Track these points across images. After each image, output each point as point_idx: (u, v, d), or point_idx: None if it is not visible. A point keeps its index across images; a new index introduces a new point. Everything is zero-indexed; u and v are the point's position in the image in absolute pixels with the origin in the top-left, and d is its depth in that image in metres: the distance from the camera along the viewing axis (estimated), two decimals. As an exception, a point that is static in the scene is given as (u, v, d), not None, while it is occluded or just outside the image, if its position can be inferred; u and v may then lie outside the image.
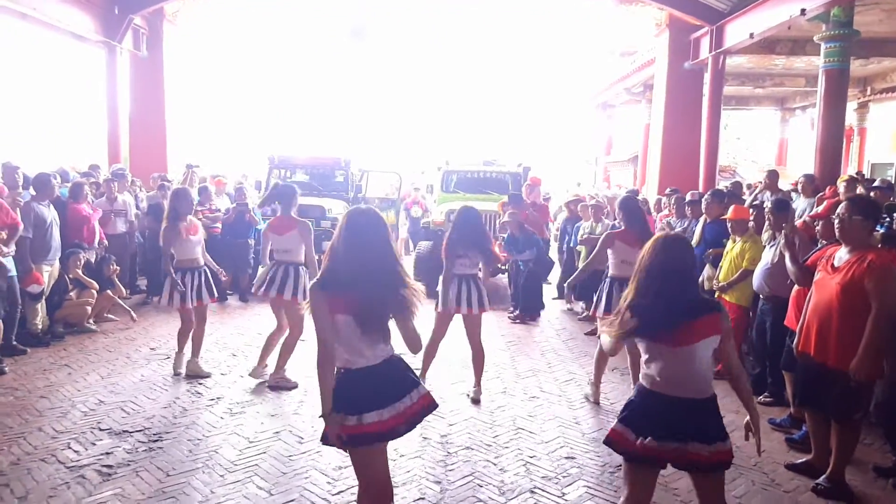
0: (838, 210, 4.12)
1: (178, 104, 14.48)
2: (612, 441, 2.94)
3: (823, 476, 4.12)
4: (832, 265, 4.08)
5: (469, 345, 5.76)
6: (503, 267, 10.38)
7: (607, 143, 23.50)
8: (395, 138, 27.56)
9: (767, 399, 5.69)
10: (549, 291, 10.71)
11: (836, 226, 4.09)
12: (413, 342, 2.92)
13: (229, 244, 9.69)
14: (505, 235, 9.49)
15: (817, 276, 4.22)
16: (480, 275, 5.76)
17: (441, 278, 5.72)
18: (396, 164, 16.48)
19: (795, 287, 4.81)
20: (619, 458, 4.41)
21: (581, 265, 8.72)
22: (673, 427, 2.78)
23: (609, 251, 5.62)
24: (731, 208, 6.42)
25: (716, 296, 6.20)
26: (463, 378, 6.05)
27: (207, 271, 6.20)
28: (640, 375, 2.97)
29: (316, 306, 2.77)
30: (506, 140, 26.60)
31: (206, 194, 10.01)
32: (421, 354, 5.88)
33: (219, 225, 9.89)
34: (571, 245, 9.64)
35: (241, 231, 9.71)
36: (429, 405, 3.00)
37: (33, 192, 7.18)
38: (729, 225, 6.34)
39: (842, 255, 4.05)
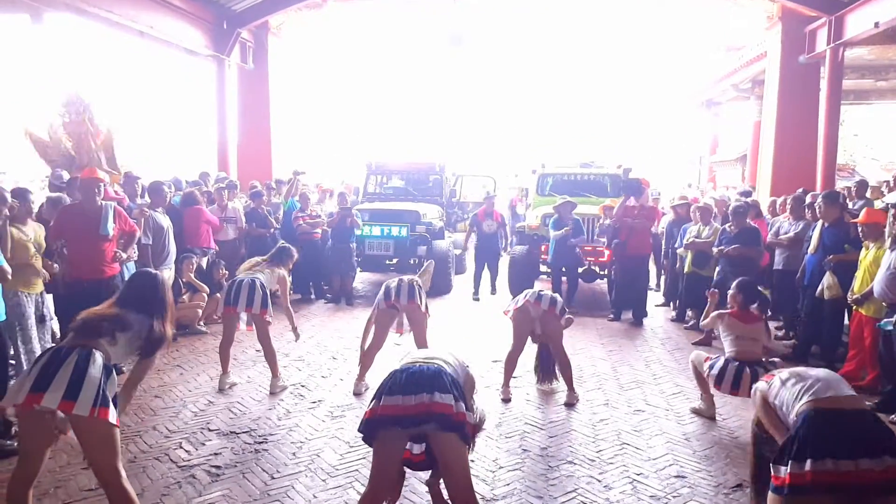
0: None
1: (282, 113, 15.03)
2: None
3: None
4: None
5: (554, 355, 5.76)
6: (601, 272, 10.16)
7: (713, 141, 22.51)
8: (491, 142, 27.54)
9: None
10: (653, 298, 10.31)
11: None
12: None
13: (333, 248, 9.98)
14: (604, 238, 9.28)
15: None
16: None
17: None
18: (492, 168, 16.47)
19: None
20: (734, 479, 4.26)
21: (686, 269, 8.42)
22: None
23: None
24: (864, 211, 5.92)
25: (852, 309, 5.75)
26: (562, 387, 5.86)
27: (259, 282, 5.89)
28: None
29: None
30: (605, 141, 26.02)
31: (306, 201, 10.34)
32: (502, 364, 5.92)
33: (319, 231, 10.20)
34: (676, 247, 9.23)
35: (343, 235, 9.94)
36: (444, 415, 2.89)
37: (148, 200, 7.60)
38: (860, 230, 5.83)
39: None
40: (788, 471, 2.63)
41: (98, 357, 3.10)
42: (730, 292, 5.41)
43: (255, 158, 13.96)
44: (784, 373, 3.00)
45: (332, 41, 18.62)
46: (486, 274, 10.88)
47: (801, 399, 2.80)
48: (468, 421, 2.98)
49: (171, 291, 3.75)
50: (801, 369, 3.01)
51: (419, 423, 2.91)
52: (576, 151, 18.60)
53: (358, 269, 10.18)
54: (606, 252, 9.62)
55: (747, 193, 11.47)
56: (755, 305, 5.34)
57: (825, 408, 2.72)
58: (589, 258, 9.95)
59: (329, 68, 21.59)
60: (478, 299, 10.56)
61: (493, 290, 10.89)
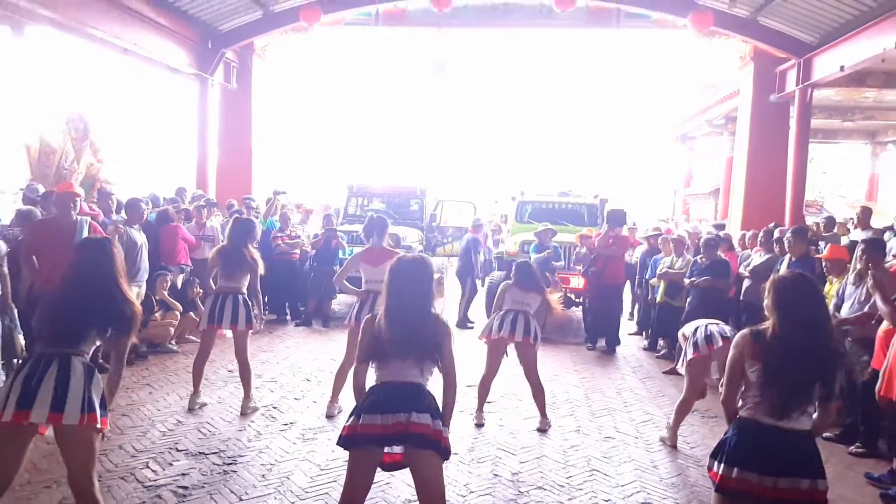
0: None
1: (264, 134, 15.01)
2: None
3: None
4: None
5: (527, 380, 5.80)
6: (577, 299, 10.26)
7: (687, 175, 22.97)
8: (471, 168, 27.77)
9: (860, 450, 5.33)
10: (627, 327, 10.43)
11: None
12: (448, 373, 3.17)
13: (316, 270, 9.91)
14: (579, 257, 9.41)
15: None
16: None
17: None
18: (472, 194, 16.61)
19: (883, 326, 4.63)
20: None
21: (659, 299, 8.56)
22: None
23: None
24: (828, 247, 6.12)
25: None
26: (535, 413, 5.89)
27: (243, 297, 5.84)
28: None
29: (363, 333, 3.20)
30: (583, 170, 26.38)
31: (286, 221, 10.31)
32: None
33: (297, 252, 10.16)
34: (648, 278, 9.39)
35: (328, 258, 9.83)
36: (421, 435, 2.96)
37: (125, 216, 7.56)
38: (825, 265, 6.02)
39: None
40: (720, 472, 2.85)
41: (77, 363, 3.08)
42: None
43: (235, 177, 13.88)
44: None
45: (317, 65, 18.79)
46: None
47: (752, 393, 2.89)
48: (444, 437, 3.03)
49: (121, 256, 3.53)
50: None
51: (397, 442, 3.01)
52: (555, 180, 18.83)
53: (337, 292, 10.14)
54: (582, 280, 9.74)
55: (721, 227, 11.73)
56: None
57: (764, 423, 2.82)
58: (564, 286, 10.05)
59: (313, 91, 21.75)
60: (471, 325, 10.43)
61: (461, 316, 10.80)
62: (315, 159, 24.20)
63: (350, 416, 3.08)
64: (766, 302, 2.93)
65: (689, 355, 5.29)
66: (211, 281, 5.98)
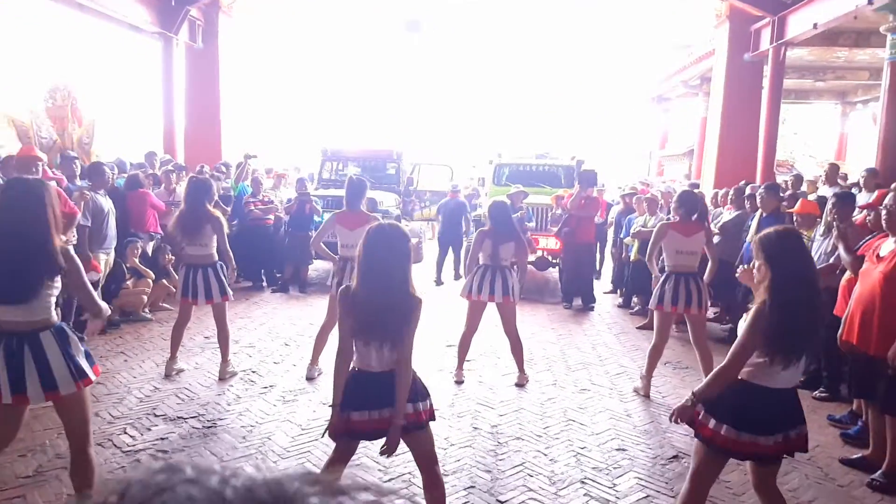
0: (885, 201, 4.14)
1: (233, 95, 14.58)
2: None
3: (879, 471, 4.05)
4: (877, 255, 4.12)
5: (506, 335, 5.86)
6: (554, 260, 10.35)
7: (662, 136, 23.06)
8: (448, 131, 27.56)
9: (823, 394, 5.61)
10: (601, 285, 10.57)
11: (883, 216, 4.12)
12: (403, 359, 3.00)
13: (291, 236, 9.80)
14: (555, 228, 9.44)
15: (863, 266, 4.25)
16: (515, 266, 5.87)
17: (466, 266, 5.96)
18: (449, 157, 16.50)
19: (845, 276, 4.80)
20: (670, 451, 4.47)
21: (633, 258, 8.66)
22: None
23: (662, 243, 5.55)
24: (799, 202, 6.22)
25: None
26: (513, 370, 5.98)
27: (212, 270, 5.68)
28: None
29: (339, 307, 3.05)
30: (559, 133, 26.32)
31: (258, 186, 10.13)
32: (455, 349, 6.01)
33: (271, 217, 10.02)
34: (622, 237, 9.49)
35: (302, 223, 9.70)
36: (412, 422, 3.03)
37: (89, 182, 7.36)
38: (795, 220, 6.13)
39: (888, 245, 4.08)
40: (725, 434, 2.86)
41: (47, 337, 3.01)
42: (672, 205, 5.56)
43: (204, 141, 13.51)
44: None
45: (285, 22, 18.24)
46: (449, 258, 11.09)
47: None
48: (423, 412, 3.08)
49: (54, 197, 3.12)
50: None
51: (384, 434, 3.04)
52: (532, 142, 18.77)
53: (314, 258, 10.08)
54: (556, 241, 9.81)
55: (695, 185, 11.81)
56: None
57: (770, 387, 2.87)
58: (540, 248, 10.12)
59: (283, 50, 21.13)
60: (442, 283, 10.70)
61: (457, 276, 10.96)
62: (287, 122, 23.75)
63: (336, 407, 3.02)
64: (758, 261, 2.90)
65: (654, 304, 5.51)
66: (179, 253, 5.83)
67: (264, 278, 10.19)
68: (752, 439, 2.82)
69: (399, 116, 26.90)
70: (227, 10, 13.96)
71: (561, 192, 10.23)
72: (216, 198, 6.16)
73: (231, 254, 5.87)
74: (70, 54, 11.99)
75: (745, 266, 3.10)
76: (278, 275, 10.17)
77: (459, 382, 5.81)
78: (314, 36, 21.23)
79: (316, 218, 9.77)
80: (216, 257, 5.72)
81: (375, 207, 10.55)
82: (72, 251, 3.09)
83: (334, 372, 3.05)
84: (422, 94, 27.46)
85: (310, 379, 5.79)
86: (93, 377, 3.13)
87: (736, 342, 2.88)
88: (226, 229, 5.82)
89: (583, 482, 4.02)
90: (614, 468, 4.25)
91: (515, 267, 5.90)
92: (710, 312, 8.10)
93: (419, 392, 3.09)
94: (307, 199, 9.80)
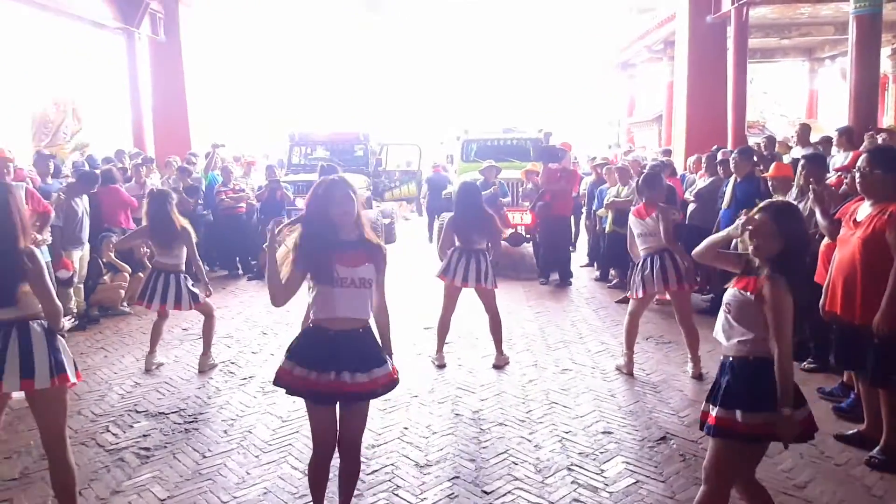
0: (858, 163, 3.99)
1: (198, 86, 14.52)
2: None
3: (877, 448, 3.90)
4: (854, 220, 3.97)
5: (486, 315, 5.85)
6: (527, 235, 10.37)
7: (630, 103, 23.09)
8: (414, 110, 27.34)
9: (811, 365, 5.45)
10: (577, 259, 10.59)
11: (856, 179, 3.98)
12: (380, 307, 3.13)
13: (263, 223, 9.71)
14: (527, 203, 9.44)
15: (841, 233, 4.10)
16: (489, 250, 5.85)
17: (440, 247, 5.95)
18: (416, 136, 16.42)
19: (823, 242, 4.64)
20: (658, 433, 4.43)
21: (608, 229, 8.69)
22: None
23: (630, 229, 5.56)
24: (773, 165, 6.19)
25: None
26: (492, 352, 5.97)
27: (176, 279, 5.71)
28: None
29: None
30: (526, 106, 26.23)
31: (228, 175, 10.06)
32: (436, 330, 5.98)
33: (243, 205, 9.97)
34: (596, 209, 9.50)
35: (273, 209, 9.68)
36: (366, 392, 3.02)
37: (62, 183, 7.25)
38: (770, 184, 6.09)
39: (864, 209, 3.94)
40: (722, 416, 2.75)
41: (35, 327, 3.07)
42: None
43: (173, 133, 13.45)
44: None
45: (246, 8, 17.99)
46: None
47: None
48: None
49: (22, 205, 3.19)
50: None
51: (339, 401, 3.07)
52: (499, 117, 18.72)
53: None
54: (529, 216, 9.81)
55: (668, 152, 11.86)
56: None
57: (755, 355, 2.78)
58: (514, 224, 10.13)
59: (246, 36, 20.88)
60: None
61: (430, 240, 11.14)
62: (254, 109, 23.46)
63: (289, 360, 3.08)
64: (761, 232, 2.75)
65: (640, 293, 5.40)
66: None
67: (239, 266, 10.19)
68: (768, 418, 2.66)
69: (365, 98, 26.66)
70: (186, 2, 13.81)
71: (530, 166, 10.21)
72: (177, 198, 6.16)
73: (200, 262, 5.89)
74: (40, 54, 12.13)
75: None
76: (253, 262, 10.13)
77: (441, 366, 5.79)
78: (275, 21, 20.92)
79: (287, 206, 9.73)
80: (183, 267, 5.77)
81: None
82: (36, 252, 3.10)
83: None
84: (386, 74, 27.21)
85: None
86: (72, 378, 3.13)
87: (781, 326, 2.64)
88: (194, 238, 5.83)
89: (569, 469, 3.96)
90: (601, 453, 4.17)
91: (490, 246, 5.88)
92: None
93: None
94: (277, 186, 9.80)
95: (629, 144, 20.45)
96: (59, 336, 3.15)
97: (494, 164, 9.87)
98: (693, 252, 3.19)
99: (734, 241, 3.86)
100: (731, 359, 2.82)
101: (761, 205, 2.86)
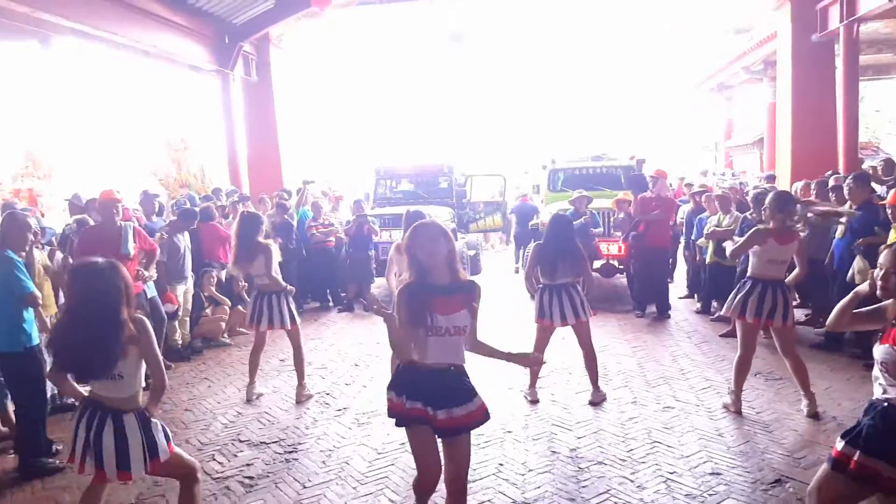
0: None
1: (289, 124, 15.07)
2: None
3: None
4: None
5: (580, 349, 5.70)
6: (619, 266, 10.06)
7: (727, 126, 22.28)
8: (499, 140, 27.45)
9: None
10: (676, 290, 10.18)
11: None
12: (474, 345, 3.16)
13: (352, 257, 10.02)
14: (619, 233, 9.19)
15: None
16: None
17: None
18: (501, 167, 16.41)
19: None
20: (771, 475, 4.16)
21: (708, 260, 8.31)
22: None
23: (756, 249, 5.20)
24: (892, 192, 5.75)
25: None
26: (587, 387, 5.78)
27: (277, 298, 5.93)
28: None
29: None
30: (616, 132, 25.82)
31: (319, 210, 10.39)
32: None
33: (332, 239, 10.24)
34: (694, 239, 9.11)
35: (361, 243, 9.93)
36: (462, 426, 3.03)
37: (165, 220, 7.67)
38: (889, 211, 5.67)
39: None
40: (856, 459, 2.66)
41: (130, 420, 3.13)
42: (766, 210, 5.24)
43: (266, 170, 14.01)
44: None
45: (333, 48, 18.70)
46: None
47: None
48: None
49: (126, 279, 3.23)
50: None
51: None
52: (587, 144, 18.46)
53: (375, 276, 10.20)
54: (623, 246, 9.53)
55: (771, 178, 11.28)
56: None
57: None
58: (606, 255, 9.87)
59: (333, 75, 21.70)
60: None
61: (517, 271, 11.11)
62: (341, 144, 24.23)
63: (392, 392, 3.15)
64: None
65: (736, 313, 5.14)
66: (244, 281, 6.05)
67: (330, 298, 10.45)
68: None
69: (449, 130, 27.00)
70: (277, 43, 14.48)
71: (622, 194, 9.94)
72: (266, 230, 6.34)
73: (280, 278, 6.04)
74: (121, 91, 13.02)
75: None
76: (343, 294, 10.36)
77: (534, 402, 5.65)
78: (361, 57, 21.63)
79: (374, 238, 9.92)
80: (283, 284, 5.97)
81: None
82: (146, 323, 3.19)
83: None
84: (470, 105, 27.49)
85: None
86: (164, 456, 3.20)
87: None
88: (277, 257, 6.06)
89: (676, 511, 3.75)
90: (710, 495, 3.94)
91: (582, 281, 5.73)
92: (801, 315, 7.69)
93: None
94: (364, 221, 10.03)
95: (727, 169, 19.70)
96: (151, 422, 3.19)
97: (585, 193, 9.67)
98: (826, 323, 3.22)
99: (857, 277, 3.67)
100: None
101: (884, 251, 2.70)
